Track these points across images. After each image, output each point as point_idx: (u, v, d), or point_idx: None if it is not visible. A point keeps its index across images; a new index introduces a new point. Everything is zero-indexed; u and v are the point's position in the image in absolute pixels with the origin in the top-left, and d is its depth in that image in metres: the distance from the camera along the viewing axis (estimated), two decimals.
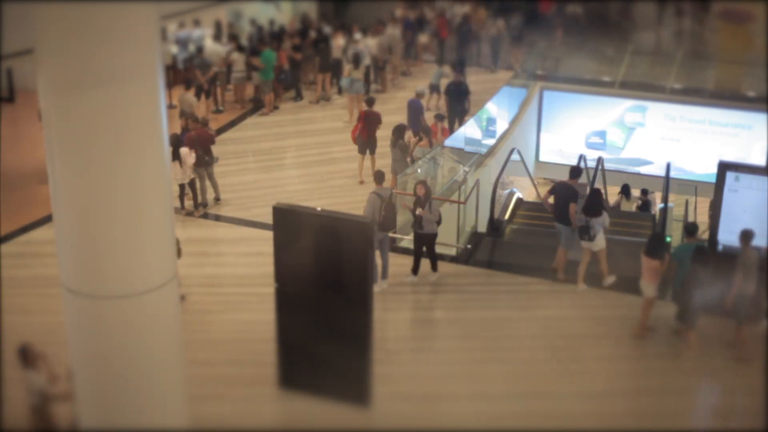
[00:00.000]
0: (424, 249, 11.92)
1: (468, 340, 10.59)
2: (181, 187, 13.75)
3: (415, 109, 16.74)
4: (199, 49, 19.57)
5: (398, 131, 14.81)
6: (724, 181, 10.99)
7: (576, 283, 11.81)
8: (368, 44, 20.59)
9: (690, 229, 10.94)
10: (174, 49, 20.78)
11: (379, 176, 12.03)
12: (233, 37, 21.09)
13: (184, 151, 13.42)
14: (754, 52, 22.24)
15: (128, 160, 7.08)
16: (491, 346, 10.52)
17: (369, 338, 9.02)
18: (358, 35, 21.36)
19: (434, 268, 11.97)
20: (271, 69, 19.01)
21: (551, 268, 12.05)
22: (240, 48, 19.83)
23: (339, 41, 20.77)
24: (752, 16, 23.14)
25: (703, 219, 15.78)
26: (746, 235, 10.23)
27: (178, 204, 13.82)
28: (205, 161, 14.07)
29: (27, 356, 8.17)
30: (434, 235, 11.88)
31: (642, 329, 10.65)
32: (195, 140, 13.98)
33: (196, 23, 22.20)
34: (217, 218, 14.06)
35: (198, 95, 18.71)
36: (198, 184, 14.09)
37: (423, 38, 22.55)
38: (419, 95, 17.19)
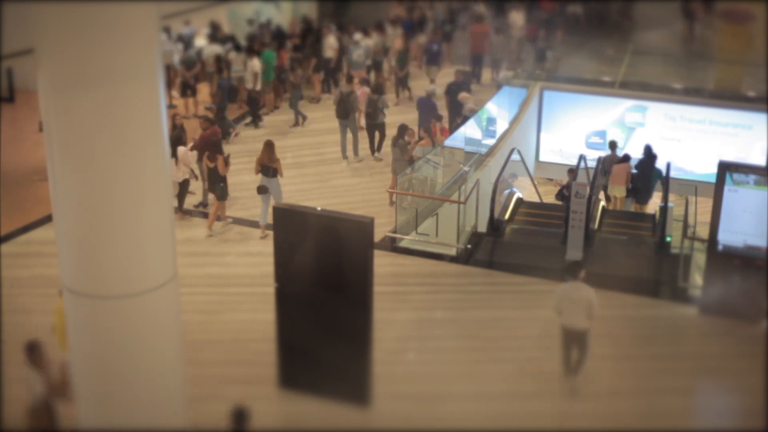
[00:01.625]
0: None
1: (468, 340, 10.58)
2: (180, 185, 13.79)
3: (427, 107, 16.88)
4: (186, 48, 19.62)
5: (399, 131, 14.82)
6: (724, 181, 10.98)
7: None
8: (366, 45, 20.56)
9: None
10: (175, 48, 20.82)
11: None
12: (231, 37, 21.10)
13: (181, 149, 13.45)
14: (754, 52, 22.22)
15: (128, 160, 7.09)
16: (491, 346, 10.52)
17: (369, 338, 9.02)
18: (357, 35, 21.34)
19: None
20: (272, 69, 19.00)
21: None
22: (238, 48, 19.82)
23: (331, 40, 20.75)
24: (752, 16, 23.12)
25: (702, 219, 15.78)
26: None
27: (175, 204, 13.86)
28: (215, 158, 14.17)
29: (34, 353, 8.12)
30: None
31: None
32: (209, 139, 14.14)
33: (187, 23, 22.13)
34: (217, 218, 14.04)
35: (184, 93, 18.68)
36: (202, 184, 14.17)
37: (422, 39, 22.55)
38: (430, 94, 17.28)
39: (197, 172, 14.29)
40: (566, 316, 9.53)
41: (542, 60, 22.52)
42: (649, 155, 15.65)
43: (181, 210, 13.78)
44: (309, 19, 24.14)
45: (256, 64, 18.51)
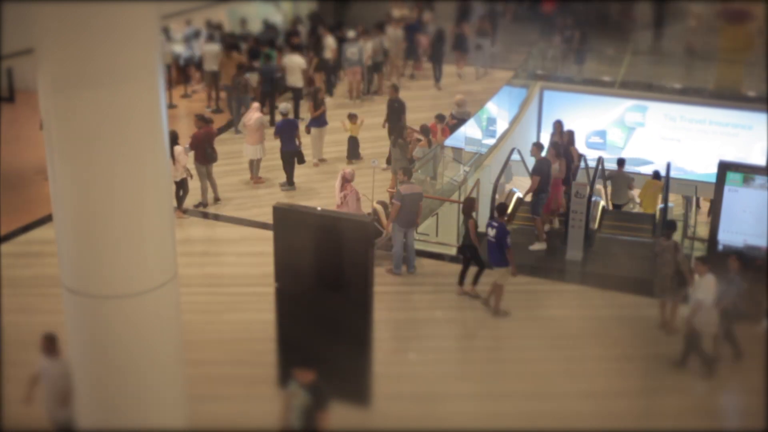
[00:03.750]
0: None
1: (468, 340, 10.58)
2: (176, 184, 13.83)
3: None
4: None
5: (399, 131, 14.84)
6: (725, 181, 10.99)
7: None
8: (363, 47, 20.42)
9: None
10: (179, 48, 20.81)
11: None
12: (230, 36, 21.07)
13: (178, 149, 13.47)
14: (754, 52, 22.22)
15: (128, 160, 7.08)
16: (491, 346, 10.52)
17: (369, 338, 9.02)
18: (351, 33, 21.25)
19: None
20: None
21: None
22: (236, 48, 19.79)
23: (329, 41, 20.70)
24: (752, 16, 23.12)
25: (703, 219, 15.77)
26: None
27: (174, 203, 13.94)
28: (210, 158, 14.26)
29: (51, 345, 8.04)
30: None
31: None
32: (203, 138, 14.15)
33: (188, 22, 22.10)
34: (217, 218, 14.05)
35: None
36: (200, 183, 14.20)
37: (423, 39, 22.53)
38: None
39: (193, 171, 14.30)
40: None
41: (580, 63, 22.50)
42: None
43: (179, 209, 13.82)
44: (302, 20, 24.13)
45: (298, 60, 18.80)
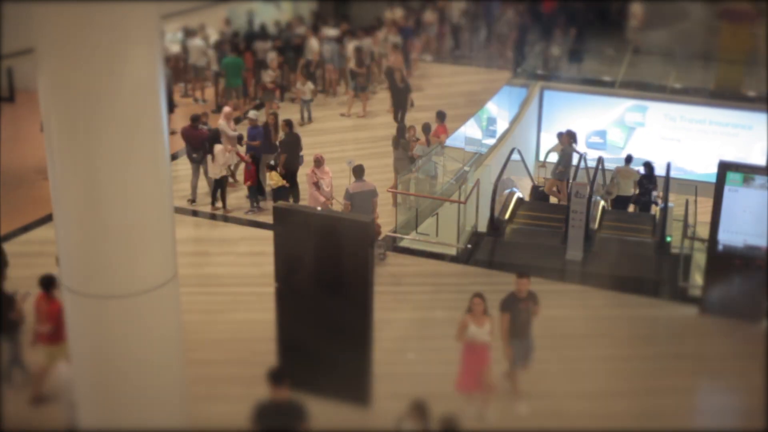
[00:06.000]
0: None
1: None
2: (215, 182, 14.00)
3: None
4: None
5: (399, 130, 14.86)
6: (725, 181, 10.98)
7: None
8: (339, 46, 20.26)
9: None
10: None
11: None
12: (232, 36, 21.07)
13: (218, 147, 13.60)
14: (754, 52, 22.23)
15: (128, 160, 7.08)
16: (491, 346, 10.49)
17: (369, 338, 9.02)
18: (332, 32, 21.11)
19: None
20: (238, 76, 18.92)
21: None
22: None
23: (312, 42, 20.64)
24: (753, 15, 23.12)
25: (702, 219, 15.77)
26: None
27: (205, 200, 14.33)
28: (190, 158, 14.44)
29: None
30: None
31: None
32: (188, 135, 14.31)
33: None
34: (213, 217, 14.04)
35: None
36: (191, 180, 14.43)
37: (417, 44, 22.48)
38: None
39: (233, 167, 14.42)
40: None
41: (577, 62, 22.43)
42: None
43: (213, 205, 14.10)
44: (303, 20, 24.11)
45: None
